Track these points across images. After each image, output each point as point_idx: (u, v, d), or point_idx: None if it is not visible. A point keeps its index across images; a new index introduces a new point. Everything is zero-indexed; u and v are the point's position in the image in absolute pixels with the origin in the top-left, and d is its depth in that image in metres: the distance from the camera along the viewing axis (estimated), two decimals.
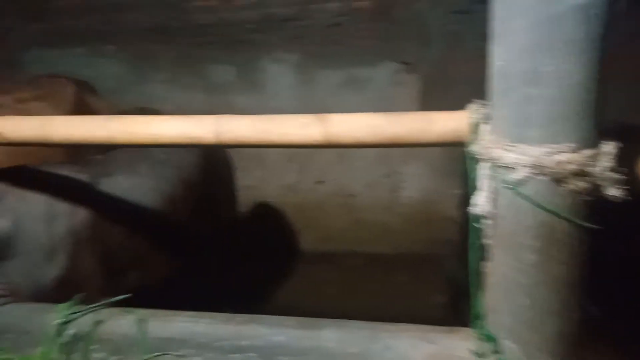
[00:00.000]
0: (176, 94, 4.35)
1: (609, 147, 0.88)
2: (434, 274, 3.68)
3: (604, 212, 0.93)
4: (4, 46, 4.27)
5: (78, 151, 2.39)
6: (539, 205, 0.90)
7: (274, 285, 3.67)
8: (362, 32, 3.95)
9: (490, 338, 1.08)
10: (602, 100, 0.85)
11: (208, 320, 1.34)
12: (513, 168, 0.91)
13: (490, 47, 0.98)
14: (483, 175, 0.99)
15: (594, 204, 0.92)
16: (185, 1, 4.02)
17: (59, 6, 4.15)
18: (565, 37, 0.81)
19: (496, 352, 1.06)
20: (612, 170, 0.88)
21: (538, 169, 0.87)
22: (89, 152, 2.30)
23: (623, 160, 0.89)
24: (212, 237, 2.43)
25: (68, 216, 1.70)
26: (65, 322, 1.40)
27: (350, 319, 1.38)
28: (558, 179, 0.87)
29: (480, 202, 1.00)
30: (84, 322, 1.40)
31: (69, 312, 1.42)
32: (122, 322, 1.37)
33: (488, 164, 0.98)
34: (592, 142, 0.87)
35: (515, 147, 0.90)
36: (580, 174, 0.87)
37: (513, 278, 0.98)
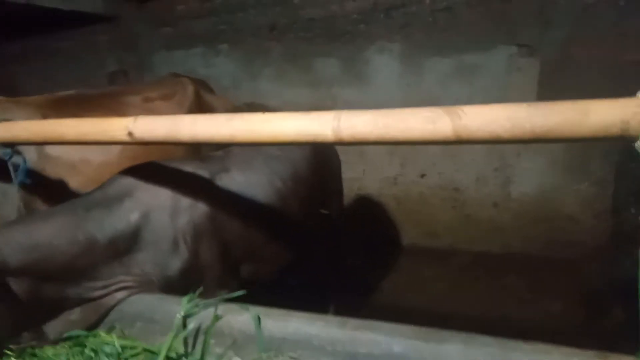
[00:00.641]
0: (283, 89, 4.46)
1: None
2: (553, 279, 3.31)
3: None
4: (135, 51, 4.72)
5: (199, 147, 2.53)
6: None
7: (376, 280, 3.60)
8: (475, 16, 3.67)
9: None
10: None
11: (322, 323, 1.31)
12: None
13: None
14: None
15: None
16: None
17: (180, 11, 4.48)
18: None
19: None
20: None
21: None
22: (209, 148, 2.43)
23: None
24: (320, 231, 2.42)
25: (190, 210, 1.78)
26: (188, 315, 1.46)
27: (456, 321, 1.26)
28: None
29: None
30: (204, 316, 1.44)
31: (191, 305, 1.47)
32: (239, 319, 1.39)
33: None
34: None
35: None
36: None
37: None
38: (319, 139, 1.18)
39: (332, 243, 2.66)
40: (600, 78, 3.30)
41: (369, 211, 4.22)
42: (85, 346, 1.57)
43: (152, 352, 1.43)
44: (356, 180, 4.19)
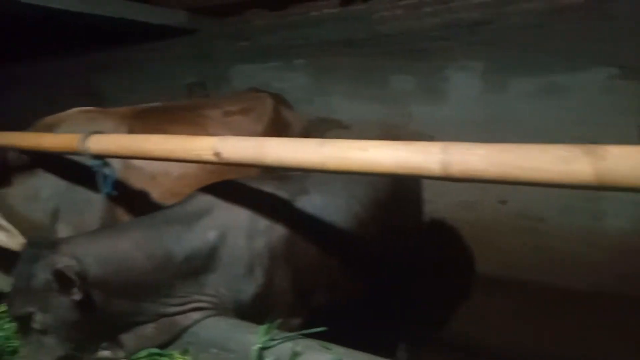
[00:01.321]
0: (355, 105, 4.37)
1: None
2: None
3: None
4: (213, 63, 4.85)
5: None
6: None
7: (447, 312, 3.38)
8: (571, 34, 3.39)
9: None
10: None
11: None
12: None
13: None
14: None
15: None
16: (371, 12, 4.01)
17: (258, 26, 4.56)
18: None
19: None
20: None
21: None
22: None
23: None
24: (398, 258, 2.28)
25: (267, 232, 1.72)
26: (264, 348, 1.38)
27: None
28: None
29: None
30: (281, 350, 1.36)
31: (269, 337, 1.39)
32: (320, 359, 1.28)
33: None
34: None
35: None
36: None
37: None
38: (422, 172, 1.06)
39: (408, 274, 2.49)
40: None
41: (441, 237, 4.00)
42: None
43: None
44: (429, 202, 3.98)
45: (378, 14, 4.01)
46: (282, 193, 1.83)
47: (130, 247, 1.56)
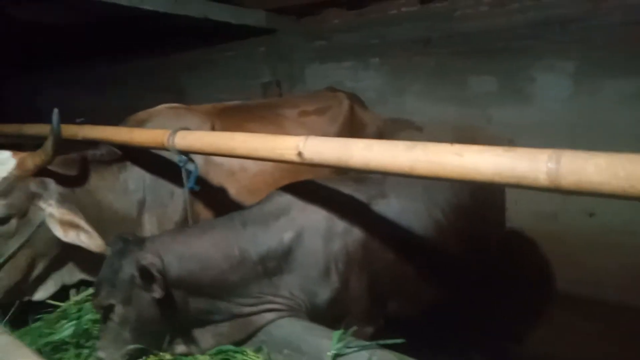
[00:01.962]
0: (430, 105, 4.23)
1: None
2: None
3: None
4: (289, 62, 4.91)
5: None
6: None
7: (526, 326, 3.17)
8: None
9: None
10: None
11: None
12: None
13: None
14: None
15: None
16: (453, 9, 3.85)
17: (335, 25, 4.55)
18: None
19: None
20: None
21: None
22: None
23: None
24: (477, 269, 2.15)
25: (344, 235, 1.68)
26: (338, 355, 1.34)
27: None
28: None
29: None
30: (356, 359, 1.31)
31: (343, 344, 1.36)
32: None
33: None
34: None
35: None
36: None
37: None
38: (525, 182, 0.96)
39: (486, 284, 2.35)
40: None
41: (519, 250, 3.75)
42: None
43: None
44: (507, 210, 3.78)
45: (460, 11, 3.84)
46: (360, 195, 1.79)
47: (209, 247, 1.59)
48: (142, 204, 2.16)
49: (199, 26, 4.22)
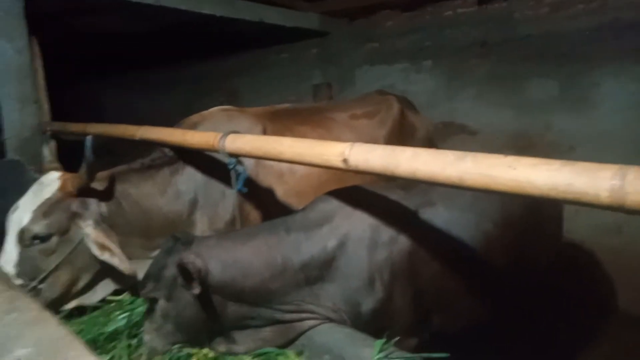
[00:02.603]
0: (484, 110, 4.10)
1: None
2: None
3: None
4: (340, 64, 4.92)
5: None
6: None
7: (582, 349, 2.98)
8: None
9: None
10: None
11: None
12: None
13: None
14: None
15: None
16: (512, 11, 3.71)
17: (388, 27, 4.51)
18: None
19: None
20: None
21: None
22: None
23: None
24: (529, 286, 2.04)
25: (389, 245, 1.64)
26: None
27: None
28: None
29: None
30: None
31: (385, 354, 1.33)
32: None
33: None
34: None
35: None
36: None
37: None
38: (584, 199, 0.91)
39: (540, 302, 2.23)
40: None
41: (577, 263, 3.55)
42: None
43: None
44: (565, 221, 3.59)
45: (519, 13, 3.70)
46: (407, 203, 1.74)
47: (252, 255, 1.60)
48: (193, 204, 2.23)
49: (253, 29, 4.32)
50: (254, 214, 2.34)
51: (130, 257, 2.07)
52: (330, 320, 1.61)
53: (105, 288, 2.10)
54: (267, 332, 1.62)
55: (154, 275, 1.58)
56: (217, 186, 2.25)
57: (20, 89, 2.98)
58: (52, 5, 3.20)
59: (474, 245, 1.76)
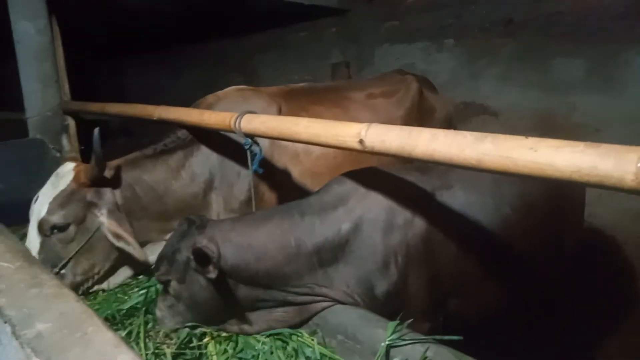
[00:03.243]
0: (508, 90, 3.98)
1: None
2: None
3: None
4: (359, 43, 4.83)
5: None
6: None
7: (605, 338, 2.93)
8: None
9: None
10: None
11: None
12: None
13: None
14: None
15: None
16: None
17: (409, 5, 4.39)
18: None
19: None
20: None
21: None
22: None
23: None
24: (549, 272, 2.00)
25: (405, 228, 1.61)
26: (393, 346, 1.32)
27: None
28: None
29: None
30: (410, 352, 1.29)
31: (398, 335, 1.33)
32: None
33: None
34: None
35: None
36: None
37: None
38: (609, 182, 0.87)
39: (560, 288, 2.19)
40: None
41: (599, 250, 3.46)
42: (286, 343, 1.60)
43: None
44: (587, 205, 3.50)
45: None
46: (424, 185, 1.71)
47: (265, 238, 1.59)
48: (209, 184, 2.25)
49: (271, 6, 4.25)
50: (269, 195, 2.34)
51: (148, 241, 2.11)
52: (344, 303, 1.60)
53: (125, 273, 2.15)
54: (280, 312, 1.63)
55: (167, 257, 1.60)
56: (232, 167, 2.25)
57: (41, 69, 3.01)
58: None
59: (492, 230, 1.73)
